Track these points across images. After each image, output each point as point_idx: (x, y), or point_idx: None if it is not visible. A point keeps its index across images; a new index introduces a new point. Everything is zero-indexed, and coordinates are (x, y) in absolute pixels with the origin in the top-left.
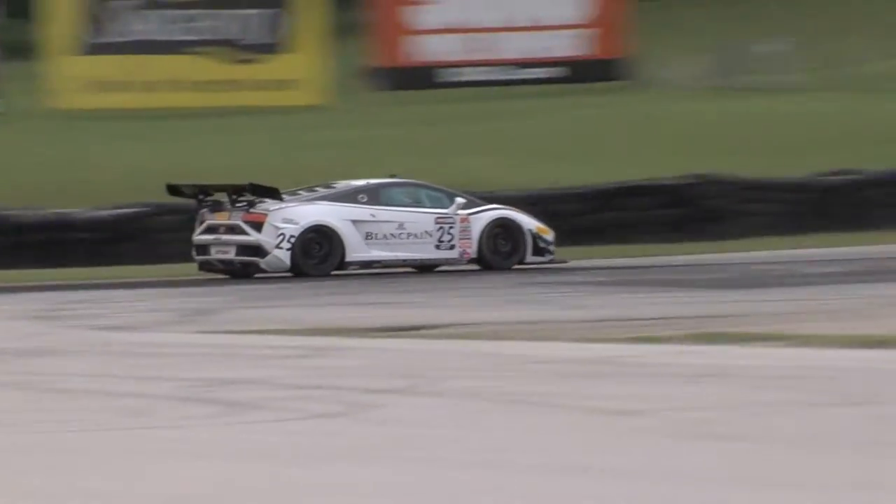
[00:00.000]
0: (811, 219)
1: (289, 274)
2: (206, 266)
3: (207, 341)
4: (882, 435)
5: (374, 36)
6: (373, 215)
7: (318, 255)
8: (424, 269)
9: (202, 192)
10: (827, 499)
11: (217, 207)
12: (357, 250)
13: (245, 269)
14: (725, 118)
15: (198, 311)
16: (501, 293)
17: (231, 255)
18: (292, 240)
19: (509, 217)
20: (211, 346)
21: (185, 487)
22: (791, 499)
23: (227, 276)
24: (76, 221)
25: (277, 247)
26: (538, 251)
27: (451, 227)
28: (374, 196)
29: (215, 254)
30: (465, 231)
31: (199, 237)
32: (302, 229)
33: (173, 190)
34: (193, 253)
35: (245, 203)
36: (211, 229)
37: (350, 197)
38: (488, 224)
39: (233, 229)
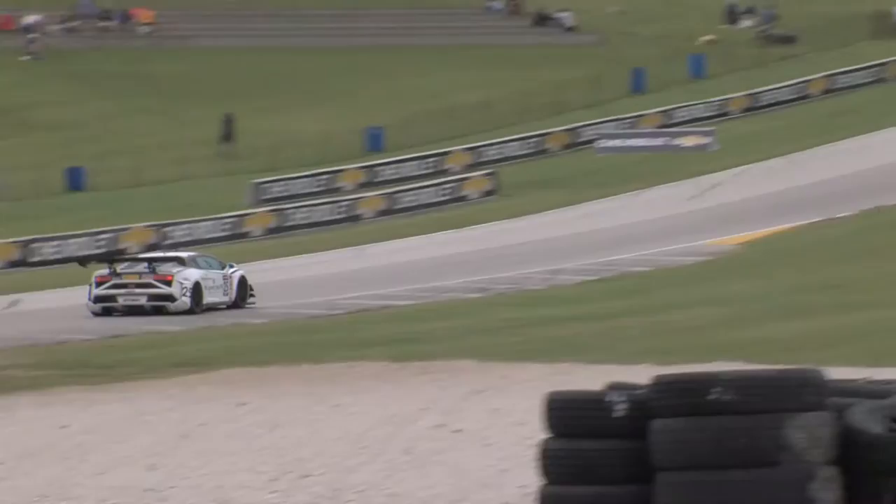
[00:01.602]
0: None
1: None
2: (108, 310)
3: None
4: None
5: None
6: (206, 275)
7: (197, 300)
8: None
9: (109, 261)
10: None
11: (115, 272)
12: (206, 297)
13: (156, 310)
14: None
15: None
16: None
17: (143, 301)
18: (190, 291)
19: (243, 274)
20: None
21: None
22: None
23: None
24: None
25: (183, 295)
26: (250, 296)
27: (227, 282)
28: (196, 263)
29: (123, 301)
30: (230, 284)
31: (103, 291)
32: (193, 284)
33: (82, 262)
34: (91, 302)
35: (150, 267)
36: (119, 286)
37: (192, 263)
38: (239, 279)
39: (145, 285)
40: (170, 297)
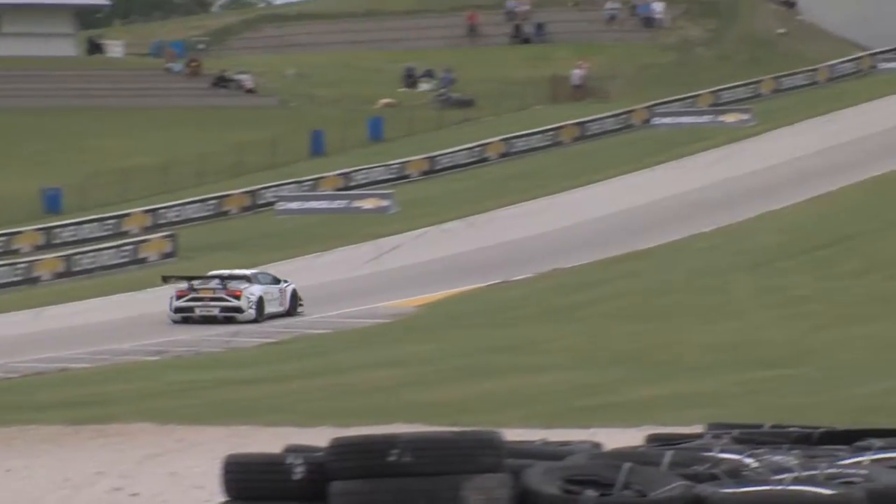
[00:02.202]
0: None
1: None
2: (187, 319)
3: None
4: None
5: None
6: (266, 289)
7: (260, 311)
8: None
9: (190, 279)
10: None
11: (192, 287)
12: (266, 308)
13: (227, 320)
14: None
15: None
16: None
17: (216, 312)
18: (255, 304)
19: (294, 287)
20: None
21: None
22: None
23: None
24: None
25: (249, 307)
26: (300, 305)
27: (282, 294)
28: (257, 279)
29: (199, 312)
30: (285, 296)
31: (182, 304)
32: (257, 298)
33: (166, 279)
34: (172, 312)
35: (221, 283)
36: (195, 299)
37: (256, 280)
38: (292, 292)
39: (218, 298)
40: (238, 309)
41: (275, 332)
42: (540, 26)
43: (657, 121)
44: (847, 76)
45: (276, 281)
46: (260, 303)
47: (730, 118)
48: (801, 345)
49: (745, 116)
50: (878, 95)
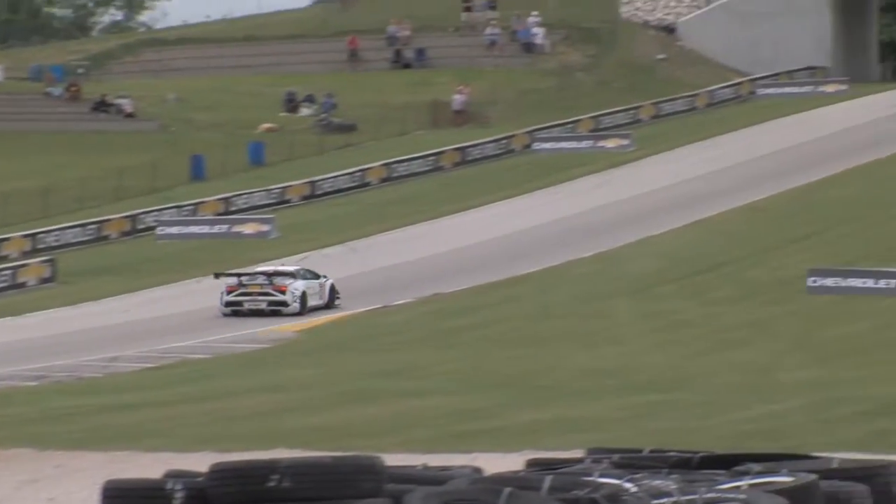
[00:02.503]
0: None
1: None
2: (236, 312)
3: None
4: None
5: None
6: (309, 284)
7: (304, 305)
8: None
9: (239, 276)
10: None
11: (241, 283)
12: (309, 302)
13: (273, 313)
14: None
15: None
16: None
17: (263, 306)
18: (299, 298)
19: (331, 281)
20: None
21: None
22: None
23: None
24: None
25: (294, 301)
26: (337, 298)
27: (322, 289)
28: (300, 275)
29: (248, 305)
30: (325, 290)
31: (232, 298)
32: (301, 292)
33: (218, 275)
34: (222, 306)
35: (268, 279)
36: (244, 294)
37: (299, 276)
38: (330, 286)
39: (265, 293)
40: (284, 304)
41: (155, 356)
42: (421, 51)
43: (538, 146)
44: (726, 102)
45: (316, 276)
46: (303, 297)
47: (610, 143)
48: (680, 370)
49: (625, 142)
50: (757, 121)
